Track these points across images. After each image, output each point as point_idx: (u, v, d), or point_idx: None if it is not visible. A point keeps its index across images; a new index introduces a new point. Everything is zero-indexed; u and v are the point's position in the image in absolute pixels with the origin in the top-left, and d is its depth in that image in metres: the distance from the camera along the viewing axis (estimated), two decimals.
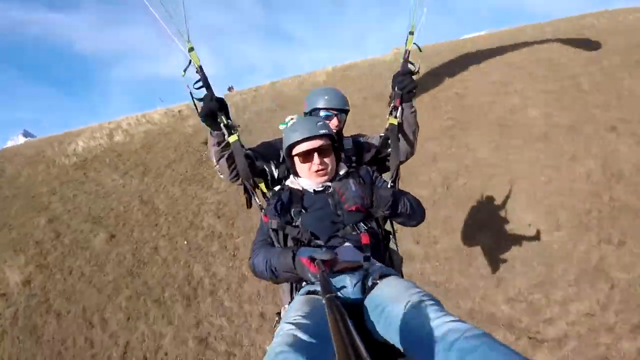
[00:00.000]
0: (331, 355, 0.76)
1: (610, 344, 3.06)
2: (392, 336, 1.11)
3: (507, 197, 4.68)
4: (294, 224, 1.57)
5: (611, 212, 4.23)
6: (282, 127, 2.05)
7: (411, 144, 1.97)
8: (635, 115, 5.46)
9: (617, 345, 3.04)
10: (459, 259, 4.21)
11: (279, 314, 1.75)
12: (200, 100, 1.80)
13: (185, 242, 5.02)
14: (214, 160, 1.91)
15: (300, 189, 1.69)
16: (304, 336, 1.01)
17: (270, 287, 4.20)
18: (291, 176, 1.77)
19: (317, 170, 1.62)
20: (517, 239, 4.14)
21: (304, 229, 1.53)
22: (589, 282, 3.59)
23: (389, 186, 1.76)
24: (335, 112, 2.07)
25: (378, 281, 1.31)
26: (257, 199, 1.80)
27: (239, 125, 1.91)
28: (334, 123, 2.04)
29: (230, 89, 14.60)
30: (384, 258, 1.65)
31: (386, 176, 1.92)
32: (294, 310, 1.18)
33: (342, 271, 1.38)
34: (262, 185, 1.85)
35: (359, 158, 2.06)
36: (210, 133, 1.85)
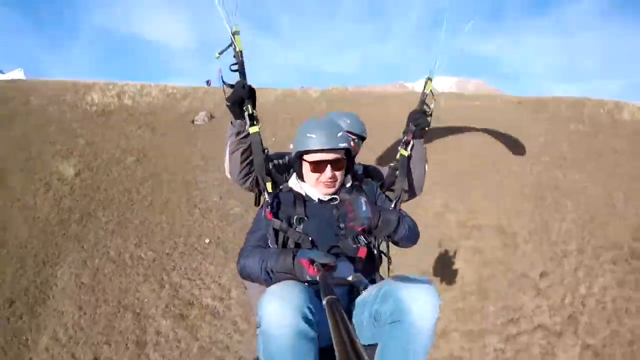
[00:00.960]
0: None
1: None
2: (369, 333, 1.22)
3: None
4: (295, 229, 1.52)
5: None
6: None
7: (420, 179, 2.00)
8: None
9: None
10: None
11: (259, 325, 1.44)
12: (231, 86, 1.77)
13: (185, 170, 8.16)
14: (227, 153, 1.84)
15: (303, 194, 1.64)
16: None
17: None
18: (295, 178, 1.70)
19: (326, 182, 1.57)
20: None
21: (305, 236, 1.49)
22: None
23: (392, 207, 1.73)
24: (354, 137, 2.11)
25: (363, 288, 1.36)
26: (266, 193, 1.66)
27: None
28: (355, 153, 2.03)
29: (208, 82, 14.99)
30: (375, 277, 1.60)
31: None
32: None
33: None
34: (269, 185, 1.72)
35: None
36: (232, 122, 1.79)
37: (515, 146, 7.83)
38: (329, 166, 1.55)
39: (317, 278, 1.16)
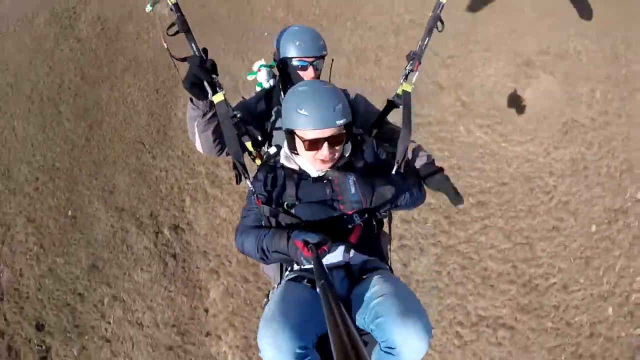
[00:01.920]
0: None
1: None
2: (373, 322, 1.13)
3: None
4: (286, 213, 1.38)
5: None
6: (250, 77, 1.83)
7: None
8: None
9: None
10: None
11: (267, 295, 1.50)
12: (183, 60, 1.36)
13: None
14: (196, 133, 1.53)
15: (297, 168, 1.43)
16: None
17: None
18: (285, 150, 1.46)
19: (323, 160, 1.33)
20: None
21: (298, 220, 1.37)
22: None
23: (393, 170, 1.44)
24: (311, 60, 1.68)
25: (365, 276, 1.29)
26: (248, 181, 1.42)
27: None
28: (309, 74, 1.68)
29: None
30: (374, 246, 1.46)
31: None
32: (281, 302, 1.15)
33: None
34: (249, 144, 1.57)
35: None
36: (193, 102, 1.44)
37: None
38: (325, 143, 1.29)
39: (311, 260, 1.15)
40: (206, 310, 2.96)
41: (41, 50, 4.29)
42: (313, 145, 1.30)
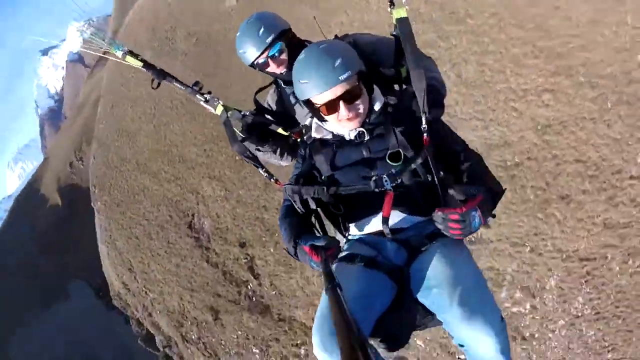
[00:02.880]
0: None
1: None
2: (438, 314, 1.10)
3: None
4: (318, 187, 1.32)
5: None
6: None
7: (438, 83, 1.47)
8: None
9: None
10: None
11: None
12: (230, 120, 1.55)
13: None
14: (279, 161, 1.77)
15: (330, 137, 1.37)
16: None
17: None
18: (315, 121, 1.39)
19: (348, 118, 1.25)
20: None
21: (334, 191, 1.30)
22: None
23: (424, 135, 1.24)
24: (265, 55, 1.52)
25: (424, 248, 1.21)
26: (261, 170, 1.59)
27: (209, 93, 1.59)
28: (280, 63, 1.55)
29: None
30: (426, 202, 1.25)
31: None
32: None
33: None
34: (281, 130, 1.60)
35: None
36: (258, 149, 1.65)
37: None
38: (341, 102, 1.23)
39: (321, 265, 1.11)
40: None
41: None
42: (330, 108, 1.24)
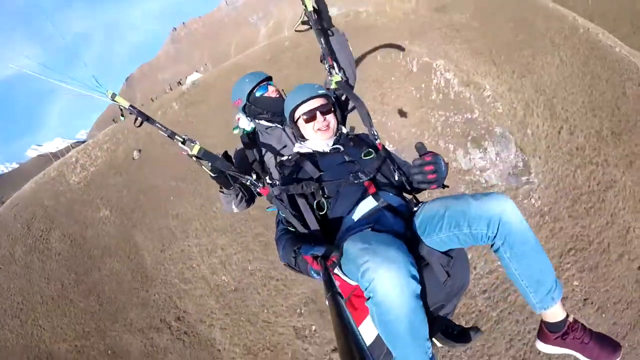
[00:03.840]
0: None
1: None
2: (459, 234, 1.22)
3: None
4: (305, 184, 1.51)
5: None
6: (235, 131, 2.12)
7: (352, 68, 1.94)
8: None
9: None
10: None
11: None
12: (203, 158, 1.61)
13: None
14: (232, 207, 1.89)
15: (311, 151, 1.71)
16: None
17: None
18: (297, 143, 1.78)
19: (321, 128, 1.67)
20: None
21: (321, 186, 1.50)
22: None
23: (377, 141, 1.65)
24: (269, 81, 2.07)
25: (416, 209, 1.45)
26: (245, 180, 1.65)
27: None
28: (271, 90, 2.04)
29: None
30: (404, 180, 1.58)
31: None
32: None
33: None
34: (248, 183, 1.67)
35: None
36: (222, 191, 1.80)
37: None
38: (318, 112, 1.66)
39: (321, 273, 1.16)
40: None
41: None
42: (309, 116, 1.67)
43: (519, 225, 1.18)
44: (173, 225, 6.01)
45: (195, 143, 1.62)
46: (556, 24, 5.90)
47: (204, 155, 1.59)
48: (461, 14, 6.62)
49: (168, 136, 1.63)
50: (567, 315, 1.32)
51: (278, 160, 1.81)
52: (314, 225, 1.46)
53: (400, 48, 6.29)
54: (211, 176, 1.67)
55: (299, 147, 1.76)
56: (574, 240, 4.40)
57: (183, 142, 1.62)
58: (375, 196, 1.46)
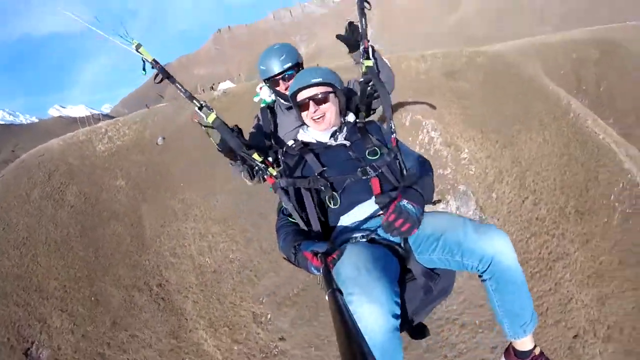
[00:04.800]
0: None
1: None
2: (450, 260, 1.24)
3: None
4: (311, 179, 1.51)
5: None
6: (256, 99, 2.15)
7: (391, 81, 1.88)
8: None
9: None
10: None
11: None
12: (210, 127, 1.58)
13: None
14: (248, 183, 1.90)
15: (314, 141, 1.69)
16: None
17: None
18: (301, 129, 1.77)
19: (314, 118, 1.64)
20: None
21: (324, 181, 1.48)
22: None
23: (392, 136, 1.59)
24: (287, 71, 1.98)
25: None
26: (256, 163, 1.61)
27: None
28: (287, 85, 1.98)
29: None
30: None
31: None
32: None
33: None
34: (256, 155, 1.60)
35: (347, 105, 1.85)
36: (231, 163, 1.76)
37: None
38: (311, 102, 1.62)
39: (321, 269, 1.16)
40: None
41: None
42: (303, 105, 1.65)
43: (511, 265, 1.22)
44: (177, 207, 6.83)
45: (212, 111, 1.60)
46: (550, 106, 6.42)
47: (219, 126, 1.57)
48: (468, 83, 7.20)
49: (186, 97, 1.62)
50: (535, 347, 1.38)
51: (286, 146, 1.77)
52: (315, 221, 1.48)
53: (431, 106, 6.52)
54: (218, 149, 1.64)
55: (302, 134, 1.76)
56: None
57: (200, 108, 1.60)
58: (378, 199, 1.45)
